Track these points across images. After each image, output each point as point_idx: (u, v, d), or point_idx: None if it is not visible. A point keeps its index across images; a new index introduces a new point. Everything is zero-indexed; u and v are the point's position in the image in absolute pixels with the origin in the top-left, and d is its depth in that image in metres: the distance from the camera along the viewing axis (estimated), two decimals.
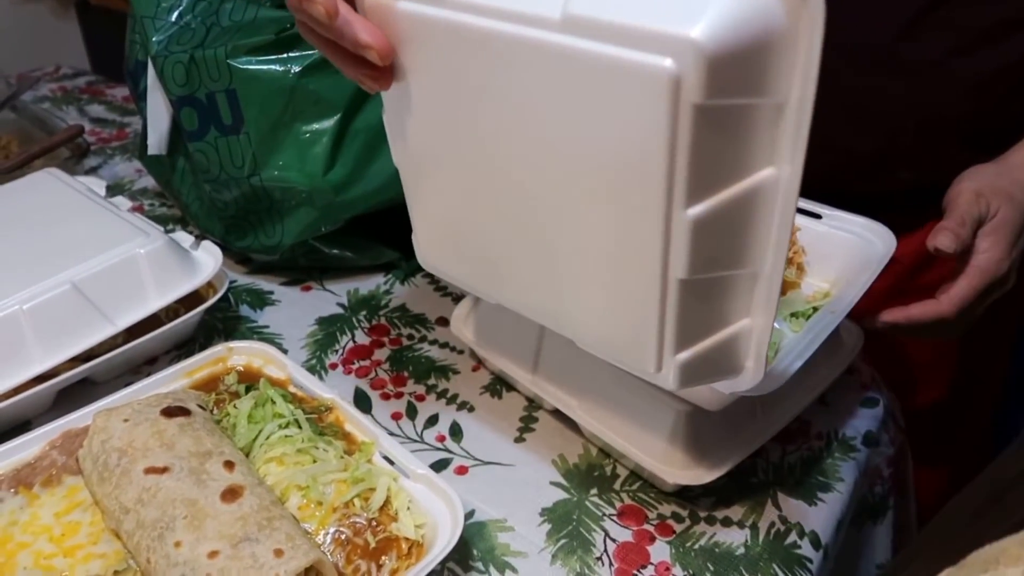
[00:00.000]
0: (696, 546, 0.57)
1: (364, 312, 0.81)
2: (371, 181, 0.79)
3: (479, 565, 0.55)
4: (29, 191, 0.79)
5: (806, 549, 0.58)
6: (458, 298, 0.83)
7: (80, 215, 0.74)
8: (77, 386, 0.66)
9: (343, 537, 0.52)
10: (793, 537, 0.59)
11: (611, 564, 0.56)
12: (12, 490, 0.54)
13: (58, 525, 0.52)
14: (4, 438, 0.57)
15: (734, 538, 0.58)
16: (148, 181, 1.04)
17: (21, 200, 0.77)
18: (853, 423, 0.69)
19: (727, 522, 0.60)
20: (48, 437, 0.57)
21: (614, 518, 0.59)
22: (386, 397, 0.70)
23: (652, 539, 0.58)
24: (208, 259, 0.74)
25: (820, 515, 0.61)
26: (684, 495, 0.61)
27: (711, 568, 0.56)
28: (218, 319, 0.78)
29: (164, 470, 0.52)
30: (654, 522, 0.59)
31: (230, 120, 0.78)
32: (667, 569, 0.56)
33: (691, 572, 0.55)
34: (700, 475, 0.57)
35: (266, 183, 0.77)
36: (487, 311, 0.69)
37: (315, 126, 0.78)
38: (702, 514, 0.60)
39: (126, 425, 0.55)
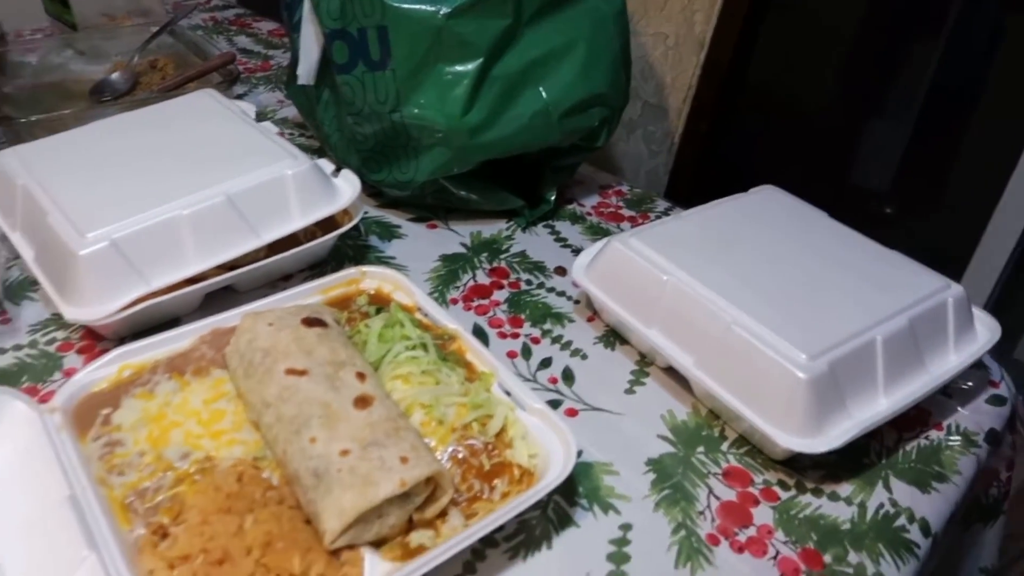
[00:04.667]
0: (800, 515, 0.57)
1: (485, 254, 0.83)
2: (505, 127, 0.80)
3: (583, 502, 0.57)
4: (188, 109, 0.84)
5: (915, 534, 0.57)
6: (577, 251, 0.84)
7: (234, 134, 0.78)
8: (220, 292, 0.71)
9: (460, 456, 0.55)
10: (902, 521, 0.58)
11: (713, 520, 0.57)
12: (167, 375, 0.59)
13: (205, 410, 0.56)
14: (158, 331, 0.63)
15: (840, 512, 0.58)
16: (289, 112, 1.09)
17: (181, 117, 0.82)
18: (977, 418, 0.67)
19: (834, 497, 0.59)
20: (199, 332, 0.62)
21: (719, 477, 0.60)
22: (503, 336, 0.72)
23: (756, 502, 0.58)
24: (346, 187, 0.77)
25: (933, 504, 0.59)
26: (792, 465, 0.61)
27: (814, 537, 0.56)
28: (349, 246, 0.82)
29: (303, 373, 0.55)
30: (759, 486, 0.59)
31: (378, 56, 0.80)
32: (769, 532, 0.56)
33: (794, 539, 0.56)
34: (814, 444, 0.56)
35: (406, 120, 0.80)
36: (609, 262, 0.70)
37: (457, 68, 0.79)
38: (809, 485, 0.60)
39: (270, 329, 0.59)
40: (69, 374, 0.62)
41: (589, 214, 0.92)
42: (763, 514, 0.57)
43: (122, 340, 0.64)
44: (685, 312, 0.64)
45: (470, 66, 0.79)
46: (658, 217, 0.93)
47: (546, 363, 0.69)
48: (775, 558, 0.54)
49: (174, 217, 0.66)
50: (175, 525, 0.49)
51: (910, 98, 1.12)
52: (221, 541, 0.47)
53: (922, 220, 1.18)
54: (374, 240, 0.84)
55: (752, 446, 0.62)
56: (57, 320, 0.69)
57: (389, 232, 0.85)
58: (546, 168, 0.89)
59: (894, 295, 0.64)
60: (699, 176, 1.20)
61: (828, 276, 0.66)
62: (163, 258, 0.65)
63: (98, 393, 0.57)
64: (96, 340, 0.67)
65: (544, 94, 0.82)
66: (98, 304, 0.63)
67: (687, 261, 0.66)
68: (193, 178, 0.69)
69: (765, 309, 0.61)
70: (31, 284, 0.72)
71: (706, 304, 0.62)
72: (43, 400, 0.56)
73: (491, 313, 0.75)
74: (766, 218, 0.74)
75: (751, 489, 0.59)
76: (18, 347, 0.66)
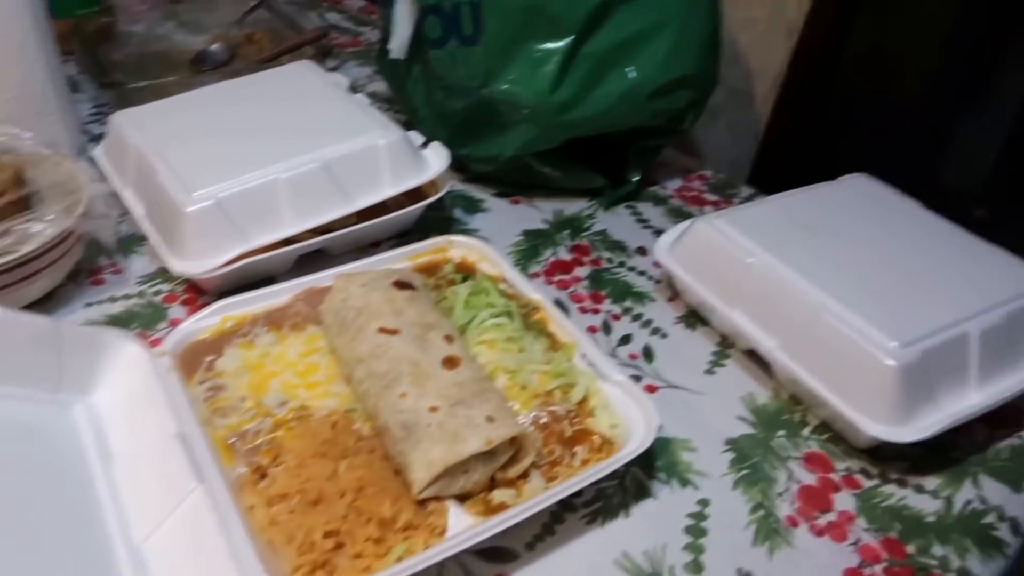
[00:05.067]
0: (883, 504, 0.57)
1: (567, 231, 0.84)
2: (593, 105, 0.81)
3: (661, 475, 0.58)
4: (287, 79, 0.87)
5: (1004, 532, 0.56)
6: (658, 232, 0.84)
7: (329, 104, 0.81)
8: (312, 256, 0.73)
9: (543, 421, 0.56)
10: (991, 519, 0.56)
11: (792, 503, 0.56)
12: (265, 328, 0.61)
13: (301, 363, 0.59)
14: (254, 288, 0.65)
15: (925, 505, 0.57)
16: (378, 87, 1.11)
17: (280, 86, 0.85)
18: None
19: (919, 489, 0.58)
20: (295, 290, 0.65)
21: (799, 461, 0.60)
22: (583, 311, 0.73)
23: (837, 488, 0.58)
24: (435, 159, 0.79)
25: None
26: (875, 454, 0.60)
27: (897, 527, 0.55)
28: (434, 217, 0.84)
29: (394, 332, 0.57)
30: (841, 473, 0.59)
31: (470, 31, 0.82)
32: (850, 519, 0.56)
33: (876, 527, 0.55)
34: (900, 433, 0.56)
35: (495, 95, 0.81)
36: (693, 242, 0.70)
37: (548, 45, 0.80)
38: (893, 476, 0.59)
39: (363, 289, 0.61)
40: (174, 324, 0.65)
41: (671, 197, 0.92)
42: (844, 501, 0.57)
43: (220, 296, 0.67)
44: (770, 295, 0.63)
45: (561, 43, 0.80)
46: (742, 204, 0.92)
47: (626, 340, 0.70)
48: (856, 544, 0.54)
49: (273, 180, 0.69)
50: (273, 466, 0.51)
51: (1009, 95, 1.08)
52: (316, 483, 0.49)
53: (1017, 223, 1.14)
54: (458, 213, 0.86)
55: (834, 433, 0.62)
56: (163, 274, 0.72)
57: (473, 206, 0.87)
58: (630, 148, 0.89)
59: (992, 289, 0.62)
60: (784, 167, 1.18)
61: (922, 265, 0.65)
62: (262, 219, 0.68)
63: (202, 341, 0.60)
64: (198, 294, 0.71)
65: (633, 74, 0.81)
66: (202, 259, 0.66)
67: (774, 244, 0.66)
68: (291, 144, 0.72)
69: (855, 295, 0.60)
70: (140, 239, 0.76)
71: (793, 288, 0.62)
72: (151, 345, 0.59)
73: (572, 288, 0.76)
74: (857, 205, 0.72)
75: (832, 475, 0.59)
76: (128, 297, 0.70)
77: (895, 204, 0.74)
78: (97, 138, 0.88)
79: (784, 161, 1.18)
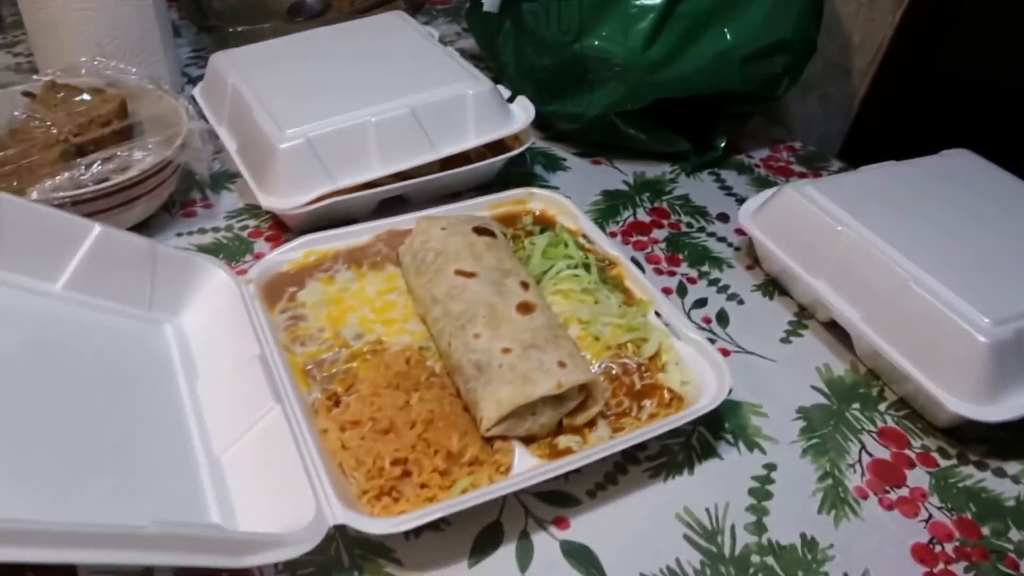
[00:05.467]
0: (960, 485, 0.55)
1: (647, 194, 0.83)
2: (685, 66, 0.79)
3: (729, 437, 0.57)
4: (379, 28, 0.88)
5: None
6: (741, 200, 0.82)
7: (420, 53, 0.81)
8: (392, 202, 0.75)
9: (613, 372, 0.56)
10: None
11: (863, 474, 0.55)
12: (346, 265, 0.63)
13: (378, 300, 0.61)
14: (337, 227, 0.67)
15: (1005, 489, 0.55)
16: (466, 43, 1.11)
17: (373, 34, 0.86)
18: None
19: (1000, 473, 0.56)
20: (376, 231, 0.66)
21: (873, 435, 0.58)
22: (659, 272, 0.72)
23: (911, 465, 0.56)
24: (521, 113, 0.79)
25: None
26: (954, 434, 0.58)
27: (973, 509, 0.53)
28: (515, 172, 0.84)
29: (471, 275, 0.58)
30: (916, 450, 0.57)
31: None
32: (923, 495, 0.54)
33: (950, 506, 0.53)
34: (986, 412, 0.54)
35: (586, 51, 0.80)
36: (779, 209, 0.68)
37: (644, 1, 0.78)
38: (972, 457, 0.57)
39: (443, 232, 0.62)
40: (259, 257, 0.68)
41: (757, 166, 0.90)
42: (918, 477, 0.55)
43: (301, 234, 0.69)
44: (858, 265, 0.61)
45: (657, 0, 0.78)
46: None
47: (701, 303, 0.69)
48: (927, 521, 0.52)
49: (362, 123, 0.70)
50: (347, 395, 0.53)
51: None
52: (388, 412, 0.51)
53: None
54: (539, 169, 0.86)
55: (912, 410, 0.60)
56: (250, 210, 0.75)
57: (554, 164, 0.87)
58: (719, 114, 0.87)
59: None
60: (878, 143, 1.14)
61: (1021, 243, 0.62)
62: (349, 160, 0.70)
63: (286, 273, 0.62)
64: (282, 231, 0.73)
65: (728, 36, 0.79)
66: (290, 196, 0.68)
67: (865, 214, 0.63)
68: (381, 90, 0.73)
69: (948, 270, 0.58)
70: (230, 176, 0.79)
71: (882, 258, 0.60)
72: (238, 274, 0.62)
73: (649, 249, 0.75)
74: (957, 180, 0.69)
75: (907, 452, 0.57)
76: (216, 229, 0.73)
77: (997, 180, 0.70)
78: (194, 80, 0.91)
79: (879, 137, 1.13)
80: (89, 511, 0.43)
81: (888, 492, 0.54)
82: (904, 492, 0.54)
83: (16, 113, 0.70)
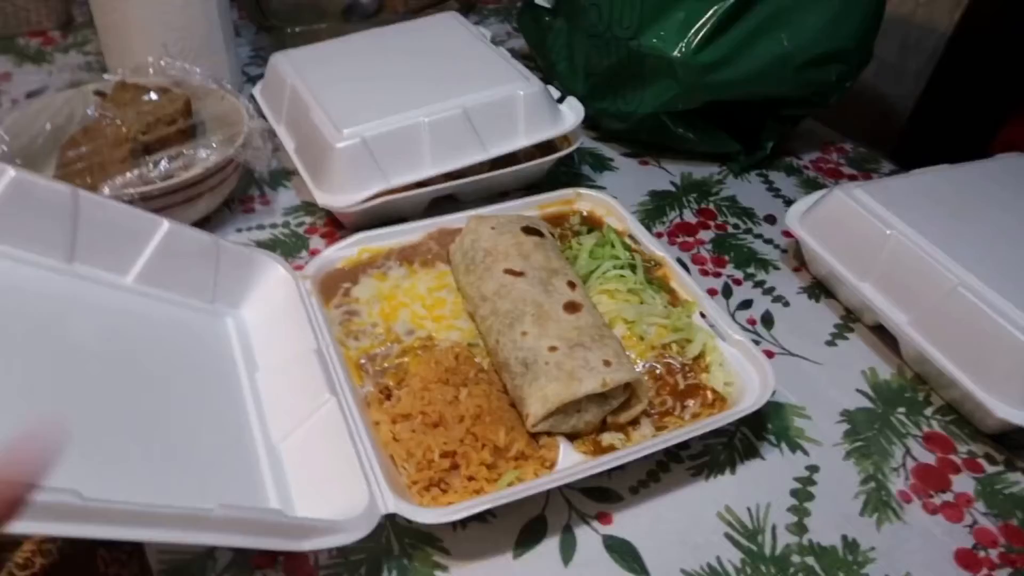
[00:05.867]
0: (1007, 491, 0.55)
1: (694, 195, 0.84)
2: (739, 69, 0.79)
3: (771, 438, 0.58)
4: (432, 29, 0.89)
5: None
6: (789, 202, 0.82)
7: (473, 54, 0.83)
8: (442, 200, 0.76)
9: (657, 372, 0.57)
10: None
11: (907, 478, 0.55)
12: (398, 262, 0.65)
13: (429, 296, 0.62)
14: (389, 225, 0.69)
15: None
16: (515, 43, 1.12)
17: (428, 35, 0.88)
18: None
19: None
20: (427, 229, 0.68)
21: (919, 439, 0.58)
22: (704, 273, 0.73)
23: (957, 470, 0.56)
24: (570, 114, 0.80)
25: None
26: (1002, 440, 0.58)
27: (1020, 515, 0.53)
28: (563, 172, 0.85)
29: (520, 274, 0.59)
30: (962, 456, 0.57)
31: None
32: (968, 501, 0.54)
33: (996, 512, 0.53)
34: None
35: (643, 48, 0.80)
36: (828, 211, 0.68)
37: (706, 2, 0.78)
38: (1020, 464, 0.57)
39: (493, 232, 0.63)
40: (313, 253, 0.70)
41: (806, 167, 0.89)
42: (964, 483, 0.55)
43: (355, 231, 0.71)
44: (906, 268, 0.61)
45: (719, 2, 0.78)
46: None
47: (746, 304, 0.70)
48: (971, 526, 0.52)
49: (416, 123, 0.72)
50: (399, 388, 0.55)
51: None
52: (438, 407, 0.53)
53: None
54: (587, 170, 0.87)
55: (959, 415, 0.60)
56: (306, 207, 0.78)
57: (602, 164, 0.88)
58: (769, 116, 0.87)
59: None
60: (932, 146, 1.12)
61: None
62: (403, 159, 0.72)
63: (340, 269, 0.64)
64: (336, 228, 0.75)
65: (786, 42, 0.79)
66: (345, 194, 0.71)
67: (915, 217, 0.63)
68: (434, 90, 0.75)
69: (999, 275, 0.58)
70: (287, 174, 0.82)
71: (932, 263, 0.60)
72: (295, 270, 0.64)
73: (695, 250, 0.76)
74: (1010, 184, 0.68)
75: (953, 457, 0.57)
76: (274, 226, 0.76)
77: None
78: (253, 80, 0.94)
79: (933, 140, 1.12)
80: (156, 493, 0.45)
81: (932, 497, 0.54)
82: (949, 497, 0.54)
83: (89, 111, 0.73)
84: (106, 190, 0.65)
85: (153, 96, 0.76)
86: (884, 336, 0.65)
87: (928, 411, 0.60)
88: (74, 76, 0.81)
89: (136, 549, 0.47)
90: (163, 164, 0.69)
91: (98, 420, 0.47)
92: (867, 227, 0.64)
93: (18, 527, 0.33)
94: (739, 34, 0.77)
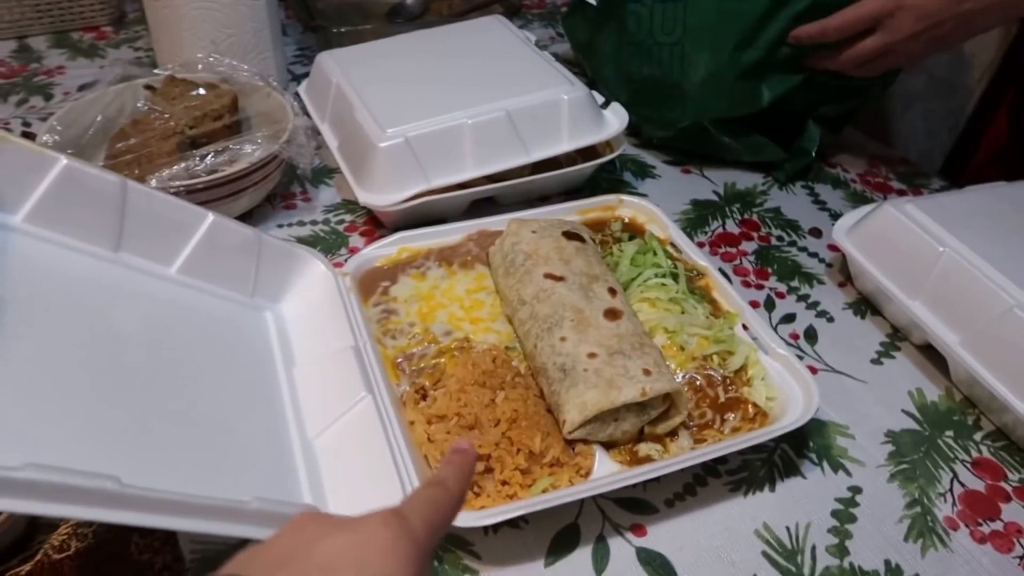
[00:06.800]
0: None
1: (738, 205, 0.82)
2: (782, 70, 0.78)
3: (813, 456, 0.56)
4: (477, 31, 0.90)
5: None
6: (836, 215, 0.80)
7: (517, 57, 0.83)
8: (482, 203, 0.76)
9: (697, 383, 0.56)
10: None
11: (954, 504, 0.53)
12: (437, 263, 0.65)
13: (467, 298, 0.62)
14: (429, 225, 0.69)
15: None
16: (559, 48, 1.12)
17: (472, 37, 0.88)
18: None
19: None
20: (468, 231, 0.68)
21: (967, 464, 0.56)
22: (746, 285, 0.72)
23: (1007, 498, 0.54)
24: (614, 119, 0.79)
25: None
26: None
27: None
28: (604, 178, 0.84)
29: (560, 279, 0.59)
30: (1013, 483, 0.55)
31: None
32: (1020, 531, 0.52)
33: None
34: None
35: (687, 55, 0.79)
36: (877, 226, 0.67)
37: (745, 6, 0.76)
38: None
39: (534, 235, 0.63)
40: (353, 251, 0.70)
41: (854, 181, 0.88)
42: (1015, 512, 0.53)
43: (394, 231, 0.71)
44: (959, 288, 0.59)
45: (758, 6, 0.76)
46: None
47: (789, 318, 0.68)
48: (1022, 558, 0.50)
49: (459, 125, 0.71)
50: (435, 389, 0.55)
51: None
52: (474, 409, 0.52)
53: None
54: (628, 176, 0.86)
55: (1010, 442, 0.58)
56: (347, 205, 0.78)
57: (644, 171, 0.87)
58: (809, 118, 0.85)
59: None
60: (983, 161, 1.09)
61: None
62: (444, 160, 0.71)
63: (380, 268, 0.64)
64: (376, 227, 0.75)
65: None
66: (387, 193, 0.71)
67: (969, 235, 0.61)
68: (478, 92, 0.75)
69: None
70: (329, 172, 0.82)
71: (986, 282, 0.58)
72: (335, 267, 0.64)
73: (737, 261, 0.74)
74: None
75: (1003, 484, 0.55)
76: (314, 223, 0.76)
77: None
78: (298, 78, 0.95)
79: (984, 156, 1.09)
80: (191, 482, 0.46)
81: (980, 525, 0.52)
82: (998, 526, 0.52)
83: (139, 104, 0.74)
84: (153, 182, 0.65)
85: (201, 91, 0.77)
86: (932, 356, 0.63)
87: (978, 436, 0.58)
88: (125, 71, 0.82)
89: (170, 537, 0.47)
90: (209, 158, 0.69)
91: (137, 407, 0.47)
92: (919, 243, 0.62)
93: (57, 510, 0.33)
94: (776, 33, 0.76)
